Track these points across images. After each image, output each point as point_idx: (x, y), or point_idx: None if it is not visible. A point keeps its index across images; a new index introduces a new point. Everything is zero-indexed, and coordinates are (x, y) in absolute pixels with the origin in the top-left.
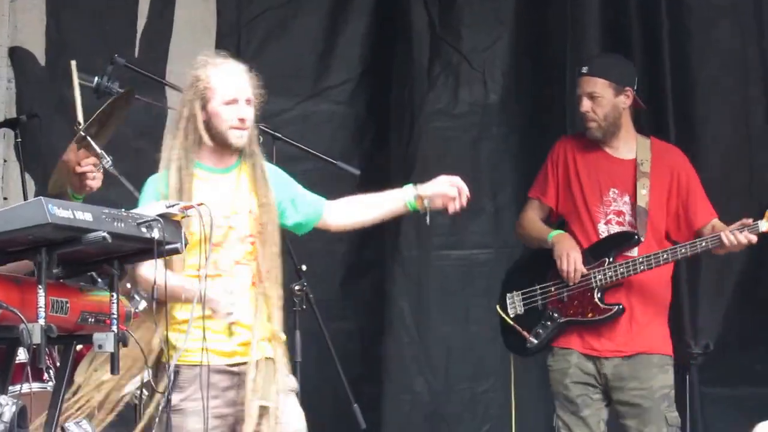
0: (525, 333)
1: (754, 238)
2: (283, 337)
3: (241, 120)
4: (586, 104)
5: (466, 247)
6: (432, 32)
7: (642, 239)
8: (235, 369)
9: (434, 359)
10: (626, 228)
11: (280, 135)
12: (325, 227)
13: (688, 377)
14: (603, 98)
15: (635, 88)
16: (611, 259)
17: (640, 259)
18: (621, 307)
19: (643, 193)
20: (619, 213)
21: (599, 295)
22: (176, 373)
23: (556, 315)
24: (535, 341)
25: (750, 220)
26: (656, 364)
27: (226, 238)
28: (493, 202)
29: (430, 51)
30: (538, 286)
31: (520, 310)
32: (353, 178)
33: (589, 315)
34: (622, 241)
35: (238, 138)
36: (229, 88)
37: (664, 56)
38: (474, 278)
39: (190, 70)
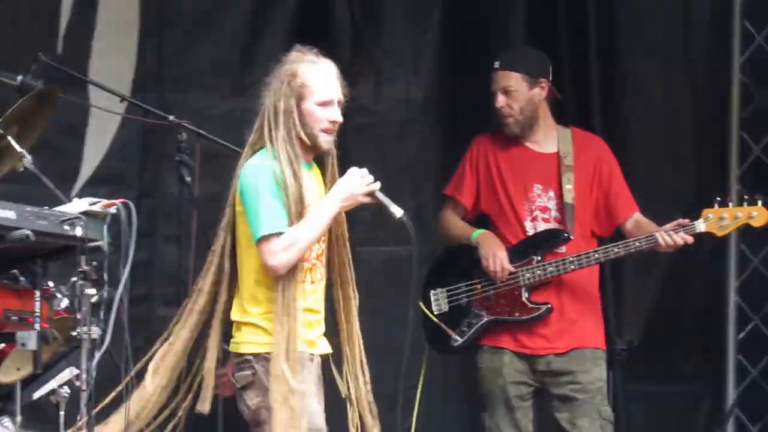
0: (450, 330)
1: (690, 239)
2: None
3: (333, 123)
4: (501, 99)
5: (388, 243)
6: (354, 28)
7: (571, 237)
8: (317, 359)
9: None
10: (553, 225)
11: (203, 132)
12: None
13: (611, 373)
14: (517, 92)
15: (550, 78)
16: (540, 258)
17: (571, 258)
18: (549, 306)
19: (569, 188)
20: (545, 209)
21: (527, 295)
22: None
23: (482, 313)
24: (460, 339)
25: (687, 221)
26: (589, 357)
27: None
28: (415, 198)
29: (352, 46)
30: (463, 284)
31: (445, 307)
32: None
33: (516, 314)
34: (550, 239)
35: (327, 142)
36: (325, 89)
37: (590, 46)
38: (396, 275)
39: (284, 63)
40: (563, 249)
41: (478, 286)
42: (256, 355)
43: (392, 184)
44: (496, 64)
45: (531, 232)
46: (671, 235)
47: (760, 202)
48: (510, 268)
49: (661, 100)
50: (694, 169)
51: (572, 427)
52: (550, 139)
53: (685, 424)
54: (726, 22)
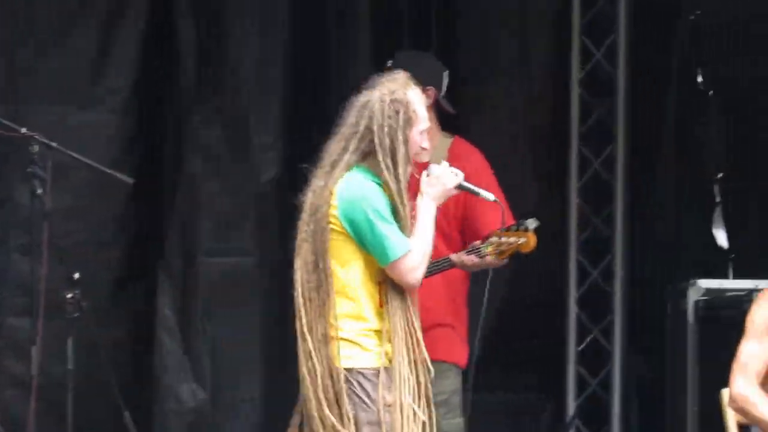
0: None
1: (476, 260)
2: None
3: (424, 149)
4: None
5: (231, 254)
6: (199, 43)
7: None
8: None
9: (199, 367)
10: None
11: (54, 144)
12: None
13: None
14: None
15: (441, 88)
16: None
17: (443, 261)
18: None
19: None
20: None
21: None
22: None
23: None
24: None
25: (477, 242)
26: (447, 371)
27: None
28: (257, 210)
29: (199, 61)
30: None
31: None
32: (126, 187)
33: None
34: None
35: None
36: (425, 118)
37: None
38: (239, 285)
39: (387, 85)
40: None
41: None
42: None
43: (233, 198)
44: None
45: None
46: (461, 257)
47: (531, 227)
48: None
49: (503, 113)
50: (534, 181)
51: None
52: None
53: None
54: (566, 38)
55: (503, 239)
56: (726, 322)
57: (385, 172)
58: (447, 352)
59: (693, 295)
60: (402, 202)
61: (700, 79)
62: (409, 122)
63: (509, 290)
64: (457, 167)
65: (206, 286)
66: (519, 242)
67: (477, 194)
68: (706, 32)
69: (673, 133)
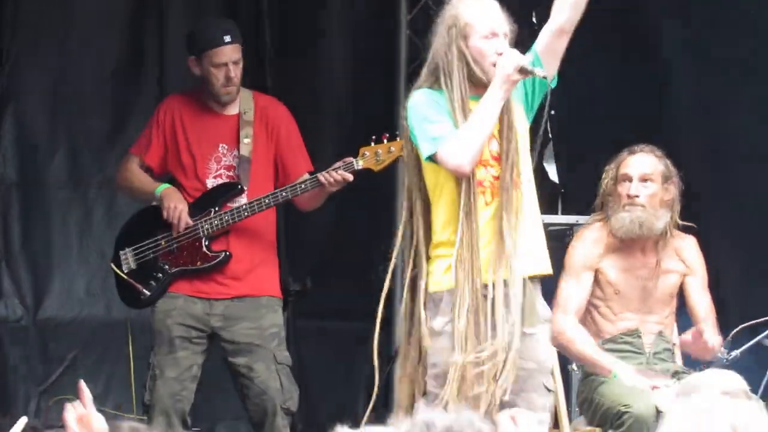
0: (139, 286)
1: (349, 177)
2: None
3: (500, 54)
4: (234, 70)
5: None
6: None
7: (245, 188)
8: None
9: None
10: (228, 179)
11: None
12: None
13: (285, 312)
14: (240, 63)
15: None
16: (217, 209)
17: (244, 206)
18: (227, 253)
19: (246, 142)
20: (230, 167)
21: (206, 243)
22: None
23: (167, 266)
24: (148, 293)
25: (350, 159)
26: (264, 305)
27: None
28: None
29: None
30: (147, 241)
31: (134, 265)
32: None
33: (198, 263)
34: (225, 192)
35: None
36: (486, 23)
37: (263, 16)
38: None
39: (448, 9)
40: (243, 200)
41: (162, 242)
42: None
43: None
44: (227, 38)
45: (218, 186)
46: (332, 174)
47: None
48: (188, 220)
49: (338, 63)
50: (362, 122)
51: (249, 371)
52: (235, 102)
53: (356, 361)
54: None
55: (379, 150)
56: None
57: (446, 92)
58: (274, 288)
59: None
60: (465, 117)
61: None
62: (462, 34)
63: (339, 220)
64: (262, 114)
65: None
66: (402, 150)
67: (536, 73)
68: None
69: None
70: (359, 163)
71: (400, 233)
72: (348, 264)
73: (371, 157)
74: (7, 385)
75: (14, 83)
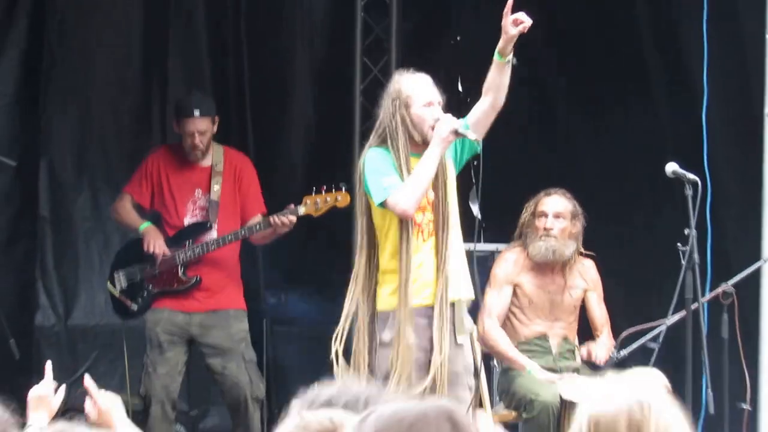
0: (128, 302)
1: (293, 219)
2: None
3: (437, 120)
4: (199, 139)
5: None
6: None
7: (213, 225)
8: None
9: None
10: (201, 219)
11: None
12: None
13: (265, 321)
14: (208, 132)
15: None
16: (191, 242)
17: (212, 241)
18: (198, 278)
19: (216, 189)
20: (203, 208)
21: (182, 270)
22: (387, 317)
23: (150, 287)
24: (136, 307)
25: (292, 206)
26: (233, 316)
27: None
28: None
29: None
30: (136, 266)
31: (124, 284)
32: (10, 168)
33: (175, 285)
34: (198, 229)
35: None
36: (424, 94)
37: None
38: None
39: (391, 84)
40: (213, 235)
41: (147, 267)
42: None
43: None
44: (197, 112)
45: (190, 225)
46: (279, 217)
47: (344, 188)
48: (166, 251)
49: (304, 120)
50: (324, 168)
51: (223, 369)
52: (209, 155)
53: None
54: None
55: (318, 199)
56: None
57: (392, 151)
58: (239, 302)
59: None
60: (408, 171)
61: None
62: (404, 104)
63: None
64: (229, 165)
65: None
66: (337, 200)
67: (467, 137)
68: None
69: None
70: (301, 210)
71: (356, 264)
72: (314, 283)
73: (311, 205)
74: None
75: (47, 139)
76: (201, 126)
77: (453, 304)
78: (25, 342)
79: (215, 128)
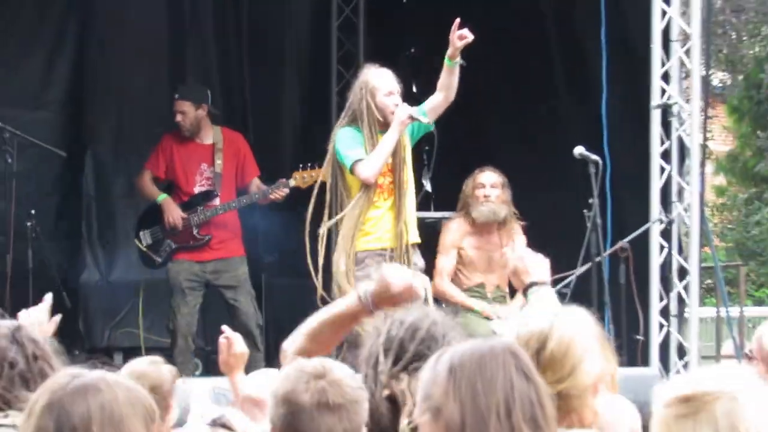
0: (153, 255)
1: (286, 191)
2: None
3: (396, 105)
4: (178, 116)
5: None
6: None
7: (217, 193)
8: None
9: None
10: (208, 188)
11: (18, 132)
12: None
13: (263, 276)
14: (187, 113)
15: (208, 102)
16: (201, 208)
17: (219, 207)
18: (209, 236)
19: (218, 164)
20: (209, 179)
21: (196, 231)
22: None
23: (172, 243)
24: (160, 260)
25: (284, 180)
26: (237, 261)
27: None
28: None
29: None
30: (158, 226)
31: (150, 241)
32: (61, 158)
33: (191, 242)
34: (206, 196)
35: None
36: (386, 85)
37: (245, 75)
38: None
39: (359, 77)
40: (216, 201)
41: (168, 228)
42: None
43: None
44: (176, 96)
45: (197, 193)
46: (274, 190)
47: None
48: (182, 215)
49: (293, 106)
50: (303, 135)
51: (235, 301)
52: (209, 135)
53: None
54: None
55: (305, 175)
56: (427, 240)
57: (362, 129)
58: (240, 250)
59: None
60: (372, 145)
61: None
62: (370, 93)
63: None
64: (228, 143)
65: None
66: (318, 176)
67: (419, 120)
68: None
69: None
70: (291, 183)
71: (326, 214)
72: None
73: (300, 179)
74: (93, 324)
75: (91, 134)
76: (181, 107)
77: (408, 246)
78: (73, 295)
79: (201, 113)
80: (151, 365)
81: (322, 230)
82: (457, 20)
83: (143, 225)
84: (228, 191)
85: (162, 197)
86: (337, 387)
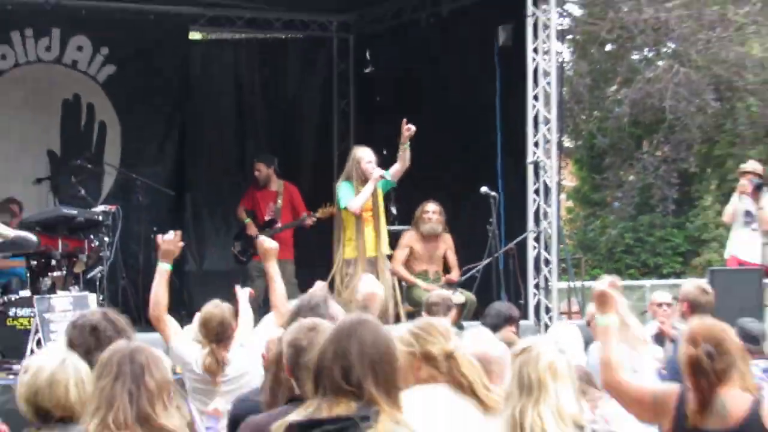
0: (241, 257)
1: (314, 220)
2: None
3: (372, 170)
4: (257, 172)
5: None
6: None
7: (278, 221)
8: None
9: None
10: (272, 217)
11: (140, 178)
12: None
13: (295, 268)
14: (262, 171)
15: (275, 165)
16: (268, 229)
17: (278, 228)
18: (276, 246)
19: (279, 203)
20: (273, 212)
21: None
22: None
23: (251, 250)
24: (245, 259)
25: (311, 213)
26: (287, 262)
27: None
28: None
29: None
30: (243, 240)
31: (240, 249)
32: (171, 197)
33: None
34: (272, 222)
35: (372, 178)
36: (366, 158)
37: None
38: None
39: (353, 153)
40: (277, 225)
41: (249, 240)
42: None
43: None
44: (256, 159)
45: (266, 220)
46: (305, 221)
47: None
48: (256, 235)
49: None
50: (322, 181)
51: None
52: (275, 185)
53: None
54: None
55: (324, 211)
56: (393, 243)
57: (353, 183)
58: (291, 256)
59: None
60: (358, 192)
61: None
62: (356, 162)
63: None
64: (285, 191)
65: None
66: (333, 210)
67: (386, 178)
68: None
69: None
70: (316, 215)
71: (335, 238)
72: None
73: (321, 212)
74: (193, 303)
75: (189, 181)
76: (258, 167)
77: (384, 256)
78: (180, 280)
79: (270, 171)
80: (216, 307)
81: (337, 255)
82: (404, 120)
83: (236, 239)
84: (285, 220)
85: (246, 220)
86: (322, 335)
